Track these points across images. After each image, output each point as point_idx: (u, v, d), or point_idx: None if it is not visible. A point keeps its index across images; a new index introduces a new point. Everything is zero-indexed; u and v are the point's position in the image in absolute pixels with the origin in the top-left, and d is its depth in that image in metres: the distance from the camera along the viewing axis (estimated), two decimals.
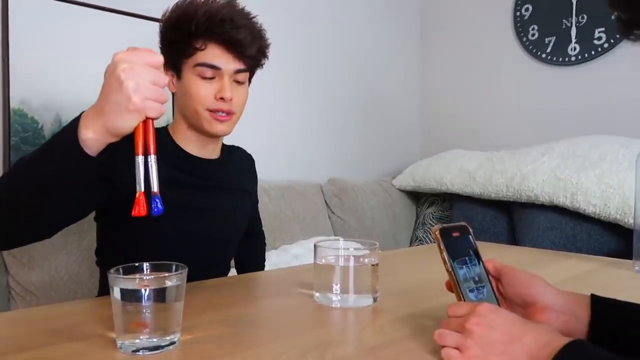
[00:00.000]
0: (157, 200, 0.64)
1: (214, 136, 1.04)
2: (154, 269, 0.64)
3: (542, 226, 1.91)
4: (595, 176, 1.78)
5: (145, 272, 0.64)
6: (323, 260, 0.82)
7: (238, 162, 1.18)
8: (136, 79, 0.62)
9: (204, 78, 0.98)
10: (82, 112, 0.68)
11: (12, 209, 0.73)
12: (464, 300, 0.61)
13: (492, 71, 2.61)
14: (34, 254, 1.38)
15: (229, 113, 0.99)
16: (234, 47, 0.97)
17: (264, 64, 1.06)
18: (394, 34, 2.80)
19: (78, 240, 1.46)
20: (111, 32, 1.70)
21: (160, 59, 0.65)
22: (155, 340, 0.60)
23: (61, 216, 0.77)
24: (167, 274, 0.62)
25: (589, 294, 0.63)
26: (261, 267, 1.32)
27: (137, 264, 0.64)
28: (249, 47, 0.98)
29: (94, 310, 0.80)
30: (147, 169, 0.64)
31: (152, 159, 0.65)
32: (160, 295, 0.60)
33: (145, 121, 0.65)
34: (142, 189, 0.63)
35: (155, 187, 0.64)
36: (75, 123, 0.67)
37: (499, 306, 0.61)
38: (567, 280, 1.01)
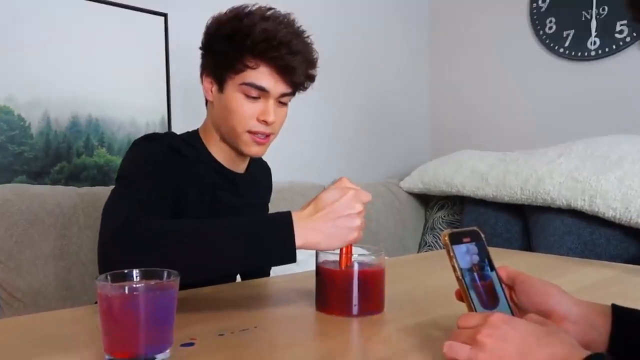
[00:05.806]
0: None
1: (247, 156, 1.07)
2: (144, 276, 0.64)
3: (559, 231, 1.90)
4: (615, 178, 1.77)
5: (135, 280, 0.64)
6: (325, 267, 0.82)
7: (260, 174, 1.23)
8: (361, 220, 0.78)
9: (248, 97, 0.99)
10: (284, 214, 0.77)
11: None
12: (476, 311, 0.60)
13: (506, 66, 2.60)
14: (22, 259, 1.38)
15: (268, 135, 1.02)
16: (286, 72, 0.98)
17: (308, 87, 1.08)
18: (400, 23, 2.78)
19: (67, 245, 1.45)
20: (101, 24, 1.70)
21: (370, 197, 0.79)
22: None
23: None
24: (157, 282, 0.62)
25: (610, 304, 0.62)
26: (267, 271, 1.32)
27: (126, 271, 0.63)
28: (301, 73, 1.00)
29: (86, 319, 0.80)
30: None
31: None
32: None
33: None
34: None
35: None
36: (288, 229, 0.77)
37: (512, 316, 0.60)
38: (585, 289, 1.00)
